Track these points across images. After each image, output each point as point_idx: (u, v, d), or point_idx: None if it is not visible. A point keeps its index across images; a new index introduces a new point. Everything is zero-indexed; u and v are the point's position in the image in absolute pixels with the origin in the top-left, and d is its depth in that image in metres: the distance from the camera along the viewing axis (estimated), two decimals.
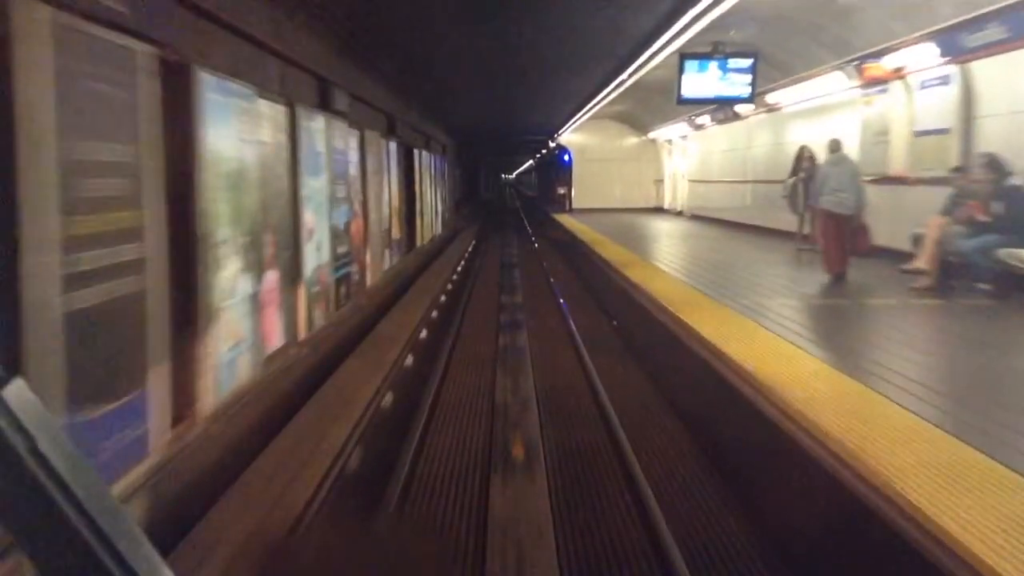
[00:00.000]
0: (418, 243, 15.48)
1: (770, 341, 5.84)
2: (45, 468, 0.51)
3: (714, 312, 7.07)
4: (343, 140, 8.28)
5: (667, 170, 26.70)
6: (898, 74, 10.49)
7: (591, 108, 19.99)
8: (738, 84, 12.80)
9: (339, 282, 7.87)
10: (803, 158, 12.70)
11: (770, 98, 14.56)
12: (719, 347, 5.61)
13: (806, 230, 12.58)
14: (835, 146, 9.67)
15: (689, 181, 23.70)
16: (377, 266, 10.22)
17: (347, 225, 8.33)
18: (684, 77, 12.76)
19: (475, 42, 12.03)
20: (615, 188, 28.09)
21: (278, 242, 5.91)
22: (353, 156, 8.85)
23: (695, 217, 22.39)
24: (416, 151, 15.64)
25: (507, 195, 73.06)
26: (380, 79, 11.60)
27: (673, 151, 25.83)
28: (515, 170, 74.48)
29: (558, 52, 12.71)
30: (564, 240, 20.95)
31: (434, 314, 10.52)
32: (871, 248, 9.22)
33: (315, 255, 6.91)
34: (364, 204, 9.44)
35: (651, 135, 27.00)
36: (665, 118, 23.32)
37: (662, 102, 21.91)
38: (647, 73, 14.05)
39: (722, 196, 20.09)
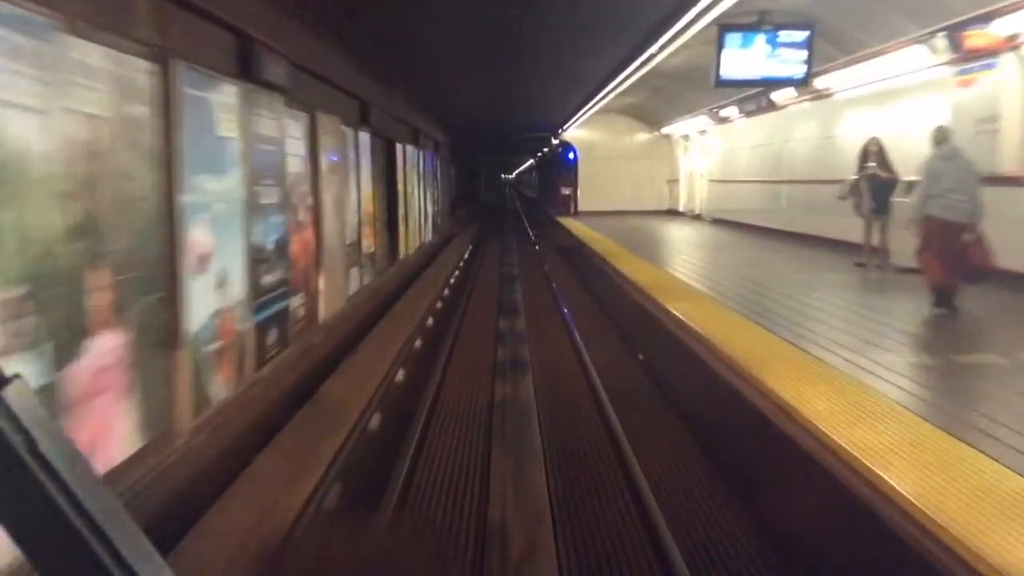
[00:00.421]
0: (402, 254, 13.12)
1: (951, 451, 3.48)
2: (45, 468, 0.50)
3: (828, 383, 4.68)
4: (276, 124, 5.91)
5: (682, 169, 24.32)
6: (1011, 43, 8.13)
7: (601, 99, 17.67)
8: (791, 62, 10.44)
9: (266, 326, 5.50)
10: (870, 152, 10.36)
11: (819, 82, 12.17)
12: (885, 478, 3.24)
13: (874, 240, 10.25)
14: (942, 135, 7.30)
15: (709, 181, 21.31)
16: (337, 292, 7.85)
17: (282, 242, 5.96)
18: (724, 54, 10.39)
19: (470, 26, 9.74)
20: (624, 189, 25.71)
21: (127, 283, 3.54)
22: (295, 147, 6.47)
23: (717, 221, 20.02)
24: (400, 146, 13.28)
25: (507, 196, 70.70)
26: (350, 56, 9.24)
27: (690, 148, 23.45)
28: (515, 170, 72.24)
29: (564, 30, 10.36)
30: (569, 246, 18.62)
31: (417, 343, 8.19)
32: (991, 268, 6.86)
33: (213, 294, 4.54)
34: (316, 212, 7.07)
35: (665, 131, 24.62)
36: (682, 111, 20.95)
37: (679, 92, 19.57)
38: (665, 59, 11.79)
39: (750, 198, 17.71)
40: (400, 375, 6.90)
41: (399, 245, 12.74)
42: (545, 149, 38.52)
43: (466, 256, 19.13)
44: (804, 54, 10.34)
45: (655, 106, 22.82)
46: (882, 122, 11.17)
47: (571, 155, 27.51)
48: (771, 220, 15.92)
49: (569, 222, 22.41)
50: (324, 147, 7.37)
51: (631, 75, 13.70)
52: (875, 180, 10.15)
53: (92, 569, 0.50)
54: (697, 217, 22.32)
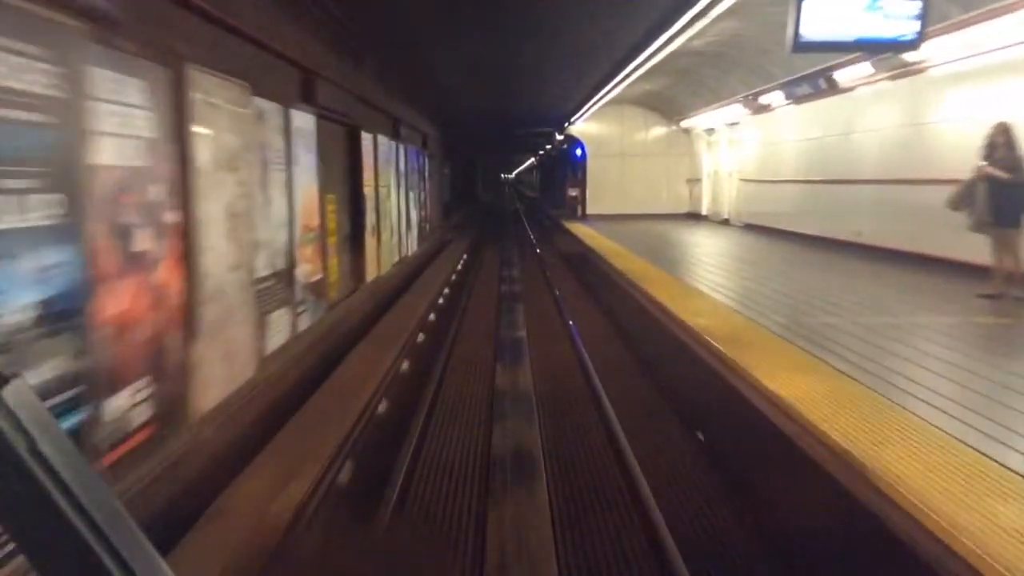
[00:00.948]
0: (371, 275, 10.25)
1: None
2: (45, 468, 0.50)
3: None
4: (50, 74, 3.02)
5: (705, 167, 21.44)
6: None
7: (615, 85, 14.81)
8: (898, 17, 7.55)
9: None
10: (997, 145, 7.55)
11: (913, 52, 9.27)
12: None
13: (1006, 263, 7.45)
14: None
15: (741, 181, 18.42)
16: (238, 358, 4.96)
17: (64, 302, 3.07)
18: (806, 7, 7.50)
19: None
20: (639, 189, 22.85)
21: None
22: (123, 120, 3.58)
23: (750, 227, 17.15)
24: (369, 136, 10.42)
25: (507, 196, 67.94)
26: (287, 7, 6.38)
27: (716, 143, 20.57)
28: (516, 169, 69.52)
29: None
30: (582, 259, 15.80)
31: (379, 411, 5.31)
32: None
33: None
34: (184, 235, 4.19)
35: (685, 123, 21.76)
36: (708, 100, 18.09)
37: (708, 76, 16.70)
38: (699, 31, 9.04)
39: (796, 200, 14.84)
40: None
41: (366, 265, 9.87)
42: (547, 146, 35.73)
43: (459, 269, 16.27)
44: (917, 6, 7.45)
45: (675, 94, 19.95)
46: (995, 105, 8.33)
47: (578, 152, 24.64)
48: (826, 227, 13.04)
49: (578, 227, 19.54)
50: (205, 125, 4.48)
51: (657, 52, 10.84)
52: (998, 183, 7.35)
53: (92, 569, 0.50)
54: (724, 222, 19.46)
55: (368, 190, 10.14)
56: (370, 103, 10.53)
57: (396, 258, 12.60)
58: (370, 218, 10.20)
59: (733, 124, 18.72)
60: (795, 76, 12.97)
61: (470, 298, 13.07)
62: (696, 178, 22.14)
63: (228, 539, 3.28)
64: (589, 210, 22.98)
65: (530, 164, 59.19)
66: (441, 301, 11.74)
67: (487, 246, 23.14)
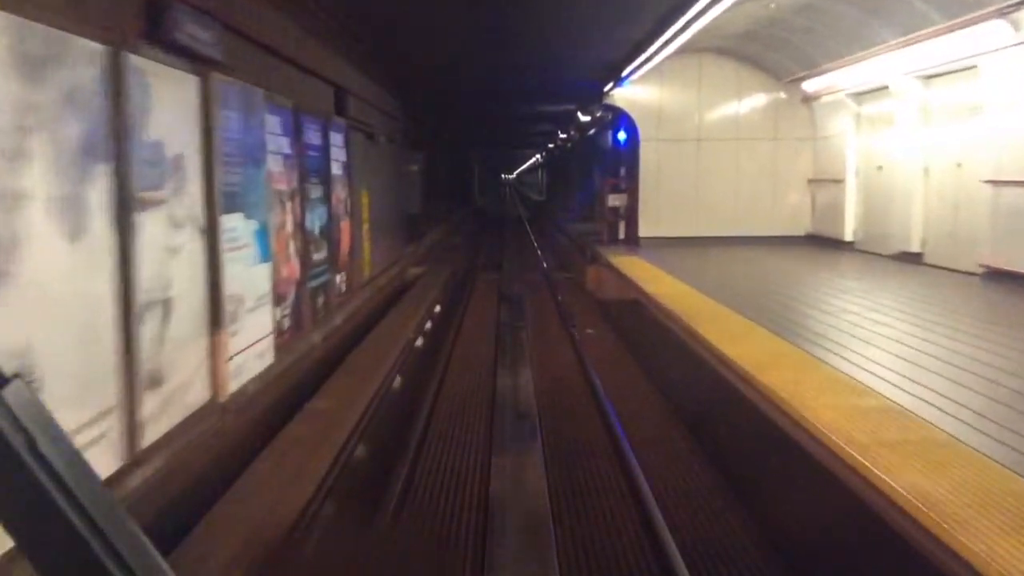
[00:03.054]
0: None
1: None
2: (45, 468, 0.50)
3: None
4: None
5: (852, 158, 12.44)
6: None
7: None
8: None
9: None
10: None
11: None
12: None
13: None
14: None
15: (987, 184, 9.32)
16: None
17: None
18: None
19: None
20: (724, 195, 13.92)
21: None
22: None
23: (997, 278, 8.24)
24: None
25: (507, 199, 59.11)
26: None
27: (883, 116, 11.56)
28: (520, 166, 61.10)
29: None
30: (627, 314, 6.81)
31: None
32: None
33: None
34: None
35: (811, 84, 12.85)
36: (863, 41, 9.27)
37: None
38: None
39: None
40: None
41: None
42: (562, 136, 26.85)
43: (423, 338, 7.61)
44: None
45: (790, 36, 11.10)
46: None
47: (620, 136, 15.61)
48: None
49: (633, 266, 10.58)
50: None
51: None
52: None
53: (92, 569, 0.50)
54: (904, 258, 10.54)
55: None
56: None
57: (264, 367, 3.86)
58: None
59: (929, 77, 9.82)
60: None
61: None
62: (826, 178, 13.15)
63: None
64: (644, 228, 13.99)
65: (536, 162, 50.94)
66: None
67: (477, 287, 14.16)
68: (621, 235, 14.80)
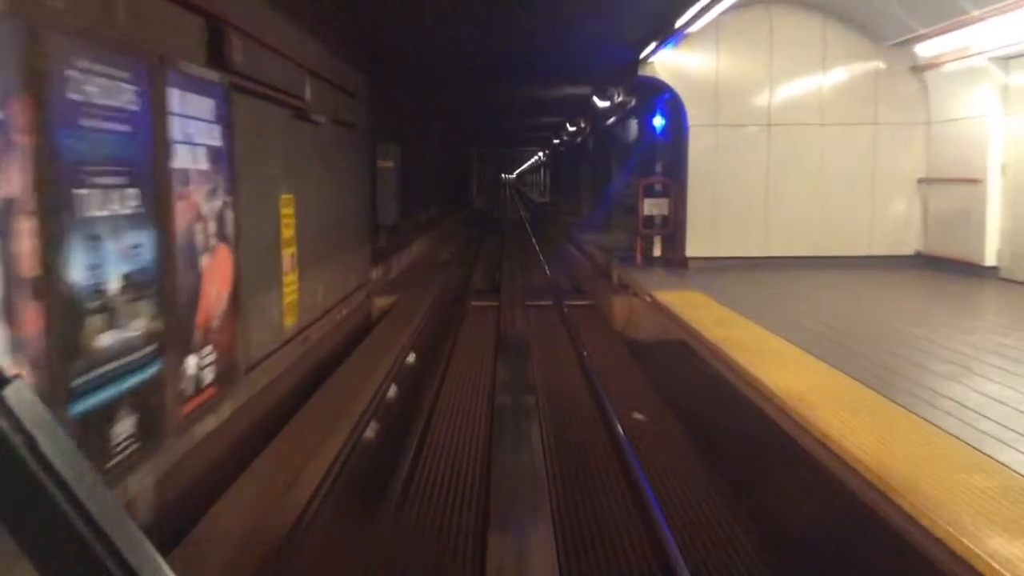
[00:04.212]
0: None
1: None
2: (45, 468, 0.51)
3: None
4: None
5: (993, 151, 8.81)
6: None
7: None
8: None
9: None
10: None
11: None
12: None
13: None
14: None
15: None
16: None
17: None
18: None
19: None
20: (801, 200, 10.27)
21: None
22: None
23: None
24: None
25: (508, 200, 55.72)
26: None
27: None
28: (524, 163, 58.15)
29: None
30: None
31: None
32: None
33: None
34: None
35: (926, 45, 9.24)
36: None
37: None
38: None
39: None
40: None
41: None
42: (570, 130, 23.49)
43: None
44: None
45: None
46: None
47: (656, 121, 11.96)
48: None
49: (693, 307, 6.93)
50: None
51: None
52: None
53: (92, 569, 0.50)
54: None
55: None
56: None
57: None
58: None
59: None
60: None
61: None
62: (951, 177, 9.53)
63: None
64: (691, 247, 10.34)
65: (537, 161, 47.78)
66: None
67: (468, 320, 10.63)
68: (657, 252, 11.19)
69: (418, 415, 6.47)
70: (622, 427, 5.91)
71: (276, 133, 6.07)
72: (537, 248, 20.75)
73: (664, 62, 10.20)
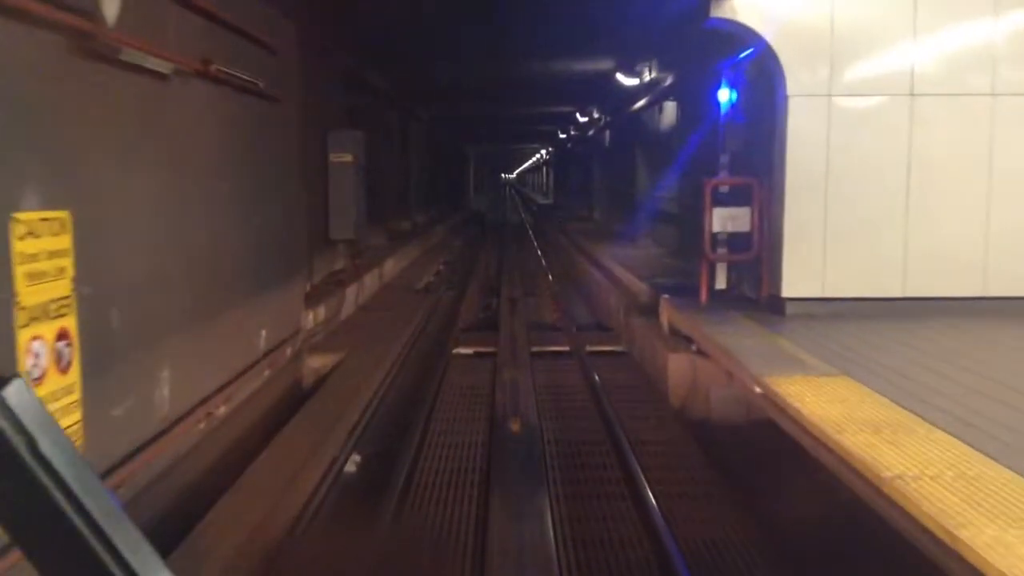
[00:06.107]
0: None
1: None
2: (46, 469, 0.50)
3: None
4: None
5: None
6: None
7: None
8: None
9: None
10: None
11: None
12: None
13: None
14: None
15: None
16: None
17: None
18: None
19: None
20: (977, 211, 6.63)
21: None
22: None
23: None
24: None
25: (508, 201, 52.55)
26: None
27: None
28: (525, 162, 55.49)
29: None
30: None
31: None
32: None
33: None
34: None
35: None
36: None
37: None
38: None
39: None
40: None
41: None
42: (581, 121, 20.21)
43: None
44: None
45: None
46: None
47: (723, 92, 8.23)
48: None
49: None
50: None
51: None
52: None
53: (92, 569, 0.50)
54: None
55: None
56: None
57: None
58: None
59: None
60: None
61: None
62: None
63: None
64: (788, 285, 6.78)
65: (539, 159, 44.78)
66: None
67: (450, 386, 7.10)
68: (720, 284, 7.67)
69: None
70: None
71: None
72: (542, 258, 17.29)
73: (753, 1, 6.67)
